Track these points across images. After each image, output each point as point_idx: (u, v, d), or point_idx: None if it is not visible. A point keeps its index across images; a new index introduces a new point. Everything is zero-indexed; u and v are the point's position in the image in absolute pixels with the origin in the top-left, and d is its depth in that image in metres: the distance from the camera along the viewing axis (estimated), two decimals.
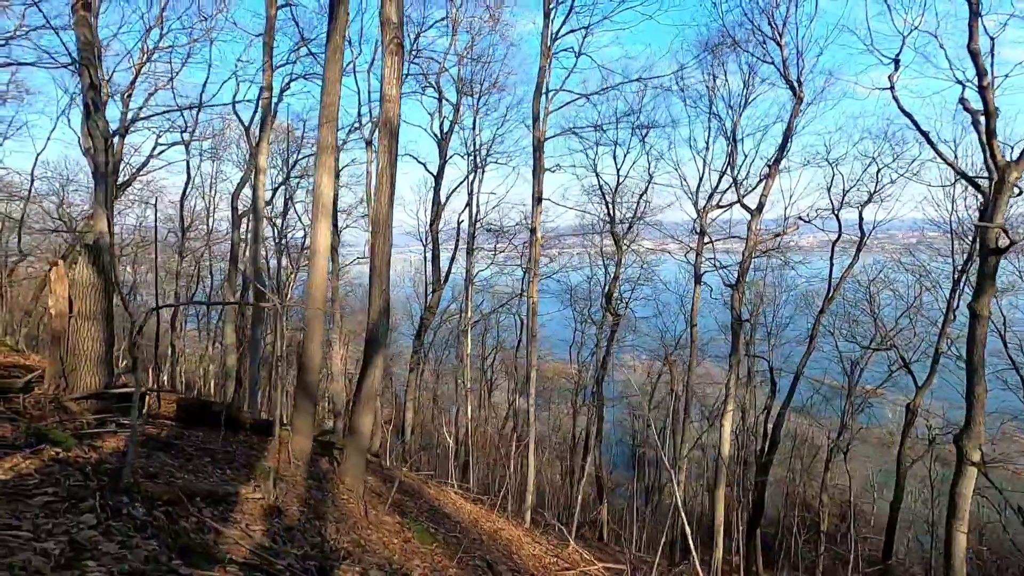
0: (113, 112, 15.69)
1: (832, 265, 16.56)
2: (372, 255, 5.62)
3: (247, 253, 21.90)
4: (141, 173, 17.73)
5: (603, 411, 20.05)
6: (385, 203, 5.50)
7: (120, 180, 16.45)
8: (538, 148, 10.17)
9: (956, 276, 15.12)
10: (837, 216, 16.23)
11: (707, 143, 16.57)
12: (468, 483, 13.65)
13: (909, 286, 17.48)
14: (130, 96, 15.68)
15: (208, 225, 22.27)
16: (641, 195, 18.30)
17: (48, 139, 44.49)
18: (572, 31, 11.37)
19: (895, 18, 11.41)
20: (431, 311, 18.97)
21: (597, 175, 19.30)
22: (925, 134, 10.37)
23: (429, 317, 19.11)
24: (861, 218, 16.30)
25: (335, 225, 17.51)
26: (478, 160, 16.81)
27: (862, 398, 20.47)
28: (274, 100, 20.20)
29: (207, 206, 22.49)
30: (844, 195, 16.15)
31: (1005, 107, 10.82)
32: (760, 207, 12.11)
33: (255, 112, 18.93)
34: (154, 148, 17.79)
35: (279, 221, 22.86)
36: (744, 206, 13.19)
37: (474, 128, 17.06)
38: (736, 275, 12.45)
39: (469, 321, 17.67)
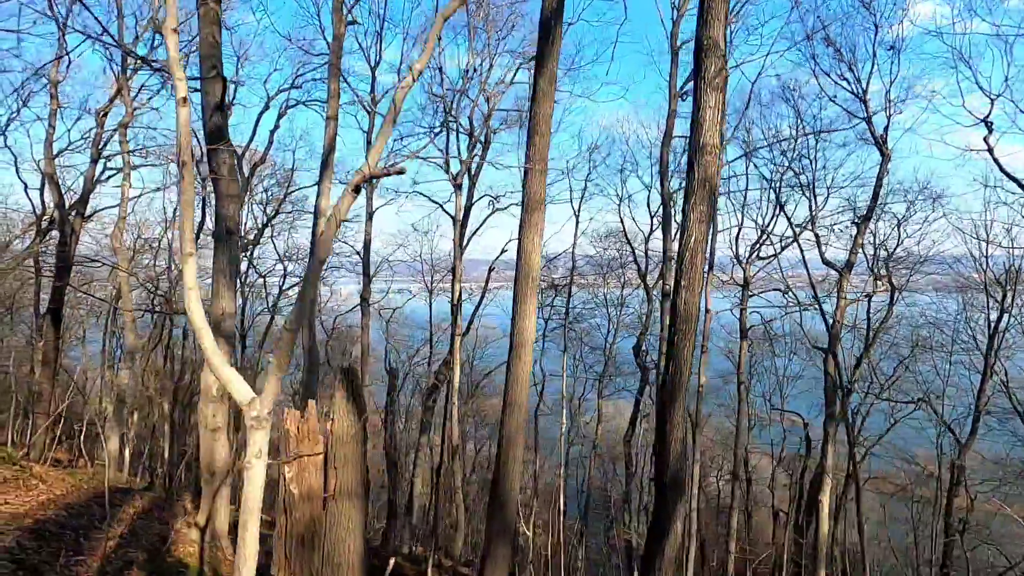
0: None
1: (869, 319, 16.47)
2: (672, 351, 4.04)
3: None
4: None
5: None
6: (697, 286, 3.98)
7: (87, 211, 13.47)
8: (666, 203, 8.92)
9: (991, 333, 15.33)
10: (872, 270, 16.21)
11: (746, 192, 16.19)
12: None
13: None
14: (106, 115, 13.00)
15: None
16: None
17: None
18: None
19: (981, 81, 11.45)
20: (448, 365, 16.98)
21: (622, 219, 18.54)
22: None
23: (446, 372, 17.06)
24: (889, 272, 16.41)
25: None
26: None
27: (865, 448, 20.52)
28: (271, 128, 17.94)
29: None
30: (876, 250, 16.21)
31: None
32: (850, 265, 11.57)
33: (251, 138, 16.77)
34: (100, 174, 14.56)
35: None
36: (829, 264, 12.64)
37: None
38: (828, 340, 11.76)
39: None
